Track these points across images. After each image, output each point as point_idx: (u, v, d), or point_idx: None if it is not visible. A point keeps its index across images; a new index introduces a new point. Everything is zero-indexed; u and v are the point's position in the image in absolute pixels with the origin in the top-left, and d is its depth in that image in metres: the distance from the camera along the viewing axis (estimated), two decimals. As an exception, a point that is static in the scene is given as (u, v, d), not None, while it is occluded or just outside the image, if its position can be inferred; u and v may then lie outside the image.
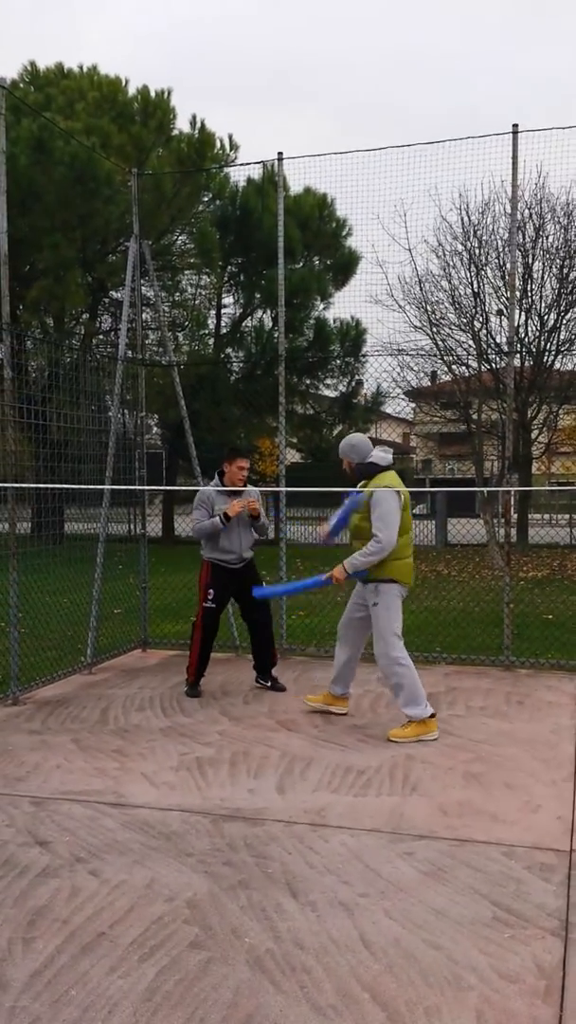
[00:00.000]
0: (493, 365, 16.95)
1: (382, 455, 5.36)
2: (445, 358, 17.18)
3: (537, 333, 17.77)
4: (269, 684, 6.44)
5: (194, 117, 17.72)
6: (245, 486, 6.26)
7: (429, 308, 17.19)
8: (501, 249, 16.86)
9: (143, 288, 8.11)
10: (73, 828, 3.89)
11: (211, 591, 6.22)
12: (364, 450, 5.39)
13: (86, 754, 4.94)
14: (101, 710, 5.88)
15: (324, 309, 20.06)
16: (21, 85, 17.70)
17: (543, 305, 17.58)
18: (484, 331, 17.36)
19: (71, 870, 3.48)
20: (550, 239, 17.13)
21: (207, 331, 20.21)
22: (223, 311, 20.96)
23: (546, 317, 17.67)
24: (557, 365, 17.98)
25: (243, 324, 20.83)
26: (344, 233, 20.39)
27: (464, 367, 17.43)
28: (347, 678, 5.66)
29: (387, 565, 5.22)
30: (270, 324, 19.98)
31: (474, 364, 17.21)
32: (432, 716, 5.22)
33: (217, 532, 6.13)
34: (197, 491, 6.45)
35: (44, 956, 2.86)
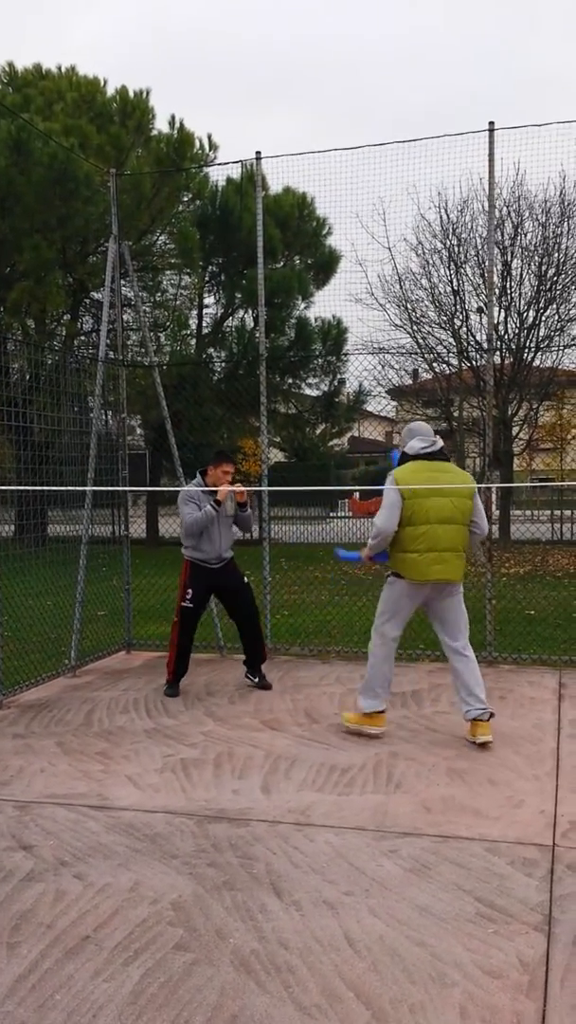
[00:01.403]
0: (473, 362, 17.05)
1: (415, 444, 5.13)
2: (426, 356, 17.27)
3: (516, 330, 17.87)
4: (257, 681, 6.47)
5: (173, 117, 17.67)
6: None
7: (409, 306, 17.28)
8: (480, 247, 16.97)
9: (124, 289, 8.09)
10: (57, 831, 3.88)
11: (189, 590, 6.24)
12: (406, 438, 5.22)
13: (70, 757, 4.93)
14: (85, 713, 5.86)
15: (305, 308, 20.09)
16: (-1, 86, 17.62)
17: (522, 302, 17.69)
18: (464, 329, 17.47)
19: (55, 874, 3.47)
20: (528, 236, 17.24)
21: (188, 331, 20.18)
22: (204, 311, 20.95)
23: (525, 314, 17.78)
24: (536, 362, 18.08)
25: (225, 324, 20.81)
26: (324, 232, 20.41)
27: (445, 365, 17.52)
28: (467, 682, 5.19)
29: (394, 557, 5.07)
30: (252, 324, 19.98)
31: (455, 362, 17.30)
32: (381, 712, 5.17)
33: (210, 522, 6.14)
34: (180, 491, 6.45)
35: (28, 961, 2.86)
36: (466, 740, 5.07)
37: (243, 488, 6.30)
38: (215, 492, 6.20)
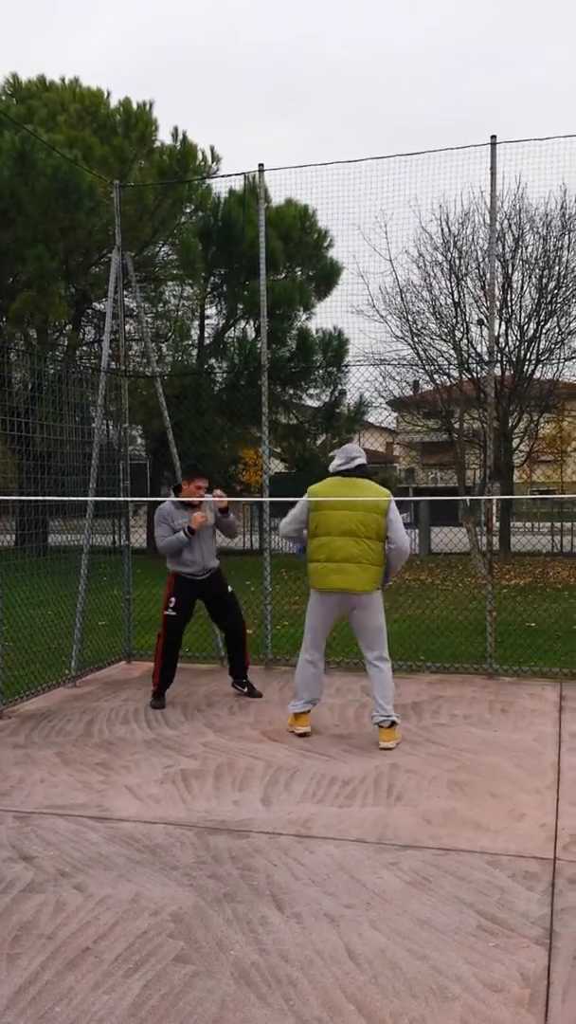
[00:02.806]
0: (474, 374, 17.06)
1: (335, 463, 5.48)
2: (427, 368, 17.27)
3: (517, 343, 17.91)
4: (245, 690, 6.50)
5: (176, 129, 17.78)
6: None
7: (410, 318, 17.31)
8: (481, 259, 17.00)
9: (126, 299, 8.11)
10: (57, 842, 3.88)
11: (173, 599, 6.27)
12: (333, 461, 5.57)
13: (70, 768, 4.92)
14: (85, 723, 5.86)
15: (307, 319, 20.13)
16: (3, 97, 17.72)
17: (523, 315, 17.73)
18: (465, 341, 17.50)
19: (56, 885, 3.46)
20: (529, 249, 17.29)
21: (190, 342, 20.23)
22: (206, 322, 20.99)
23: (526, 327, 17.81)
24: (537, 374, 18.13)
25: (226, 335, 20.85)
26: (326, 244, 20.47)
27: (446, 376, 17.53)
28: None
29: (307, 567, 5.43)
30: (253, 334, 20.02)
31: (455, 373, 17.31)
32: (302, 714, 5.48)
33: (182, 546, 6.18)
34: (157, 509, 6.46)
35: (28, 972, 2.85)
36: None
37: (224, 497, 6.32)
38: (190, 505, 6.23)
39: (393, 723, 5.25)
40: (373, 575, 5.30)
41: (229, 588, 6.50)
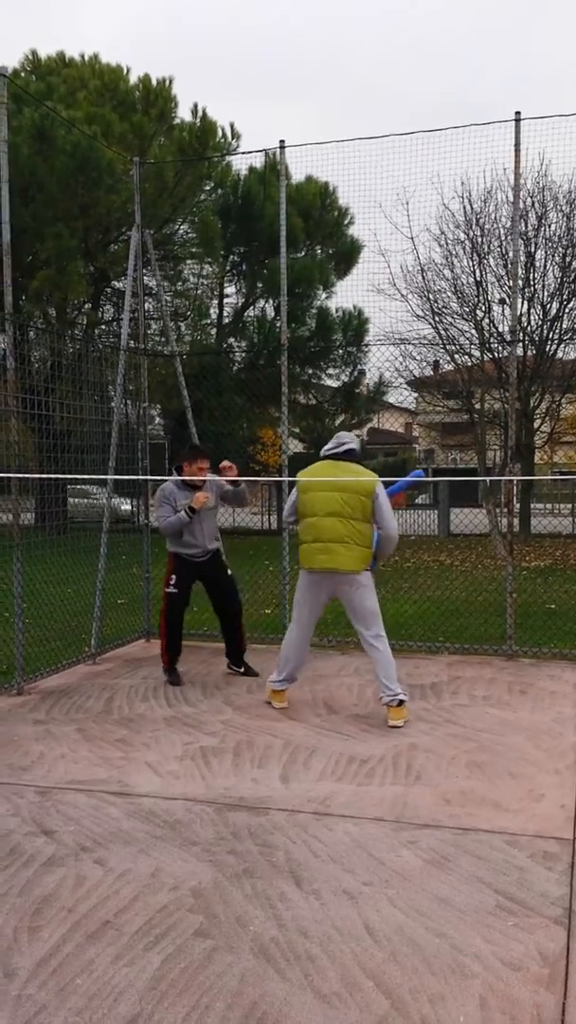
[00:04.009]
0: (496, 354, 16.92)
1: (327, 446, 5.58)
2: (447, 347, 17.15)
3: (540, 322, 17.72)
4: (242, 671, 6.52)
5: (195, 106, 17.63)
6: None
7: (431, 297, 17.15)
8: (503, 238, 16.82)
9: (145, 278, 8.10)
10: (78, 817, 3.91)
11: (173, 576, 6.28)
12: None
13: (91, 744, 4.95)
14: (105, 700, 5.90)
15: (326, 298, 20.03)
16: (23, 74, 17.64)
17: (545, 294, 17.53)
18: (487, 320, 17.34)
19: (76, 859, 3.50)
20: (552, 227, 17.07)
21: (209, 321, 20.18)
22: (225, 301, 20.94)
23: (548, 306, 17.62)
24: (560, 354, 17.95)
25: (245, 314, 20.79)
26: (346, 222, 20.33)
27: (467, 356, 17.40)
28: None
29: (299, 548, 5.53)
30: (272, 314, 19.94)
31: (476, 353, 17.18)
32: (279, 691, 5.63)
33: (183, 526, 6.17)
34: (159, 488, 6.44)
35: (50, 945, 2.88)
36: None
37: (234, 468, 6.32)
38: (193, 486, 6.20)
39: (401, 701, 5.26)
40: (360, 555, 5.34)
41: (229, 571, 6.51)
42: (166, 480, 6.32)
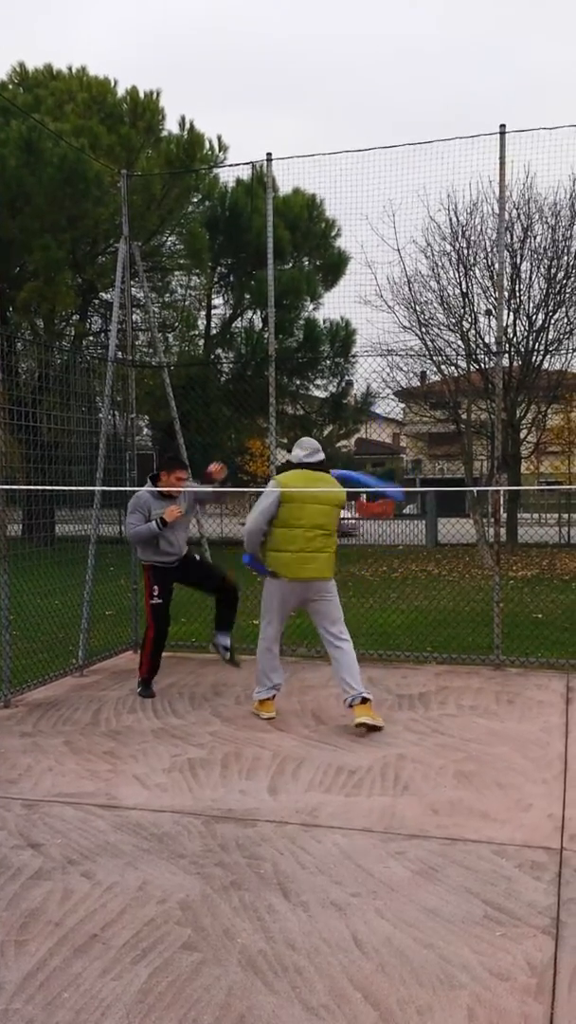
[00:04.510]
0: (482, 365, 17.01)
1: (297, 453, 5.61)
2: (434, 358, 17.22)
3: (525, 333, 17.83)
4: (228, 656, 6.43)
5: (183, 118, 17.73)
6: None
7: (418, 308, 17.23)
8: (489, 249, 16.91)
9: (133, 289, 8.11)
10: (65, 830, 3.89)
11: (156, 586, 6.27)
12: (293, 450, 5.69)
13: (78, 756, 4.94)
14: (93, 712, 5.88)
15: (314, 310, 20.09)
16: (10, 86, 17.68)
17: (531, 305, 17.63)
18: (473, 331, 17.42)
19: (63, 872, 3.48)
20: (538, 239, 17.19)
21: (197, 332, 20.21)
22: (213, 312, 20.97)
23: (534, 317, 17.72)
24: (545, 365, 18.04)
25: (233, 325, 20.83)
26: (333, 233, 20.42)
27: (453, 367, 17.48)
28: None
29: (270, 557, 5.49)
30: (260, 325, 19.98)
31: (463, 364, 17.25)
32: (267, 700, 5.64)
33: (153, 537, 6.15)
34: (135, 493, 6.43)
35: (37, 958, 2.87)
36: (357, 729, 5.28)
37: (224, 469, 6.33)
38: (168, 497, 6.20)
39: (365, 699, 5.34)
40: (333, 562, 5.59)
41: (196, 556, 6.55)
42: (155, 491, 6.29)
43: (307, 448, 5.62)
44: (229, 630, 6.48)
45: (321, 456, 5.61)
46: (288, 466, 5.66)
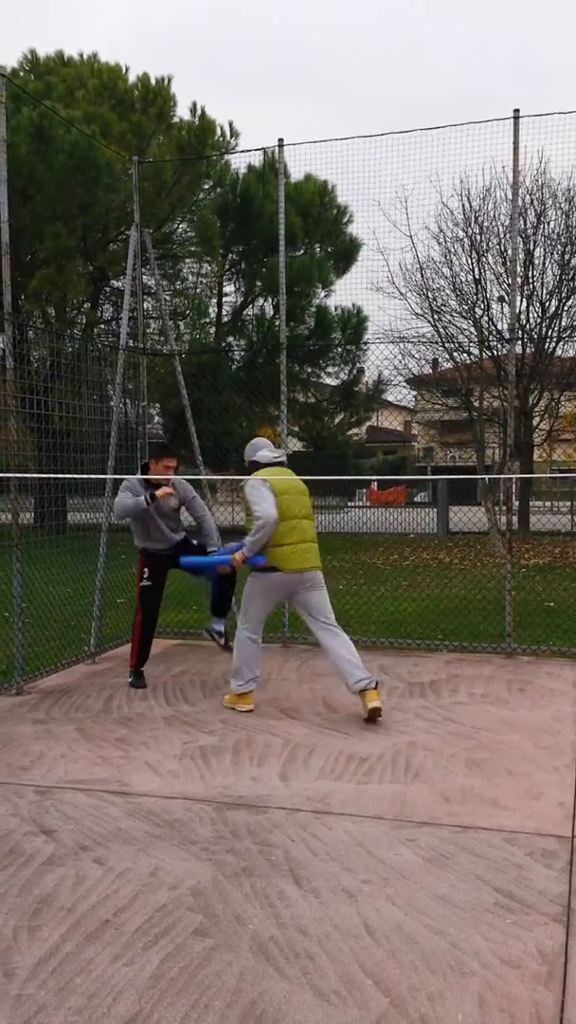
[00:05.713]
0: (494, 352, 16.92)
1: (265, 454, 5.70)
2: (446, 345, 17.15)
3: (538, 320, 17.72)
4: (222, 641, 6.39)
5: (194, 104, 17.63)
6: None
7: (430, 295, 17.15)
8: (502, 235, 16.81)
9: (144, 277, 8.09)
10: (77, 817, 3.91)
11: (146, 570, 6.28)
12: (251, 451, 5.76)
13: (90, 743, 4.96)
14: (105, 699, 5.90)
15: (325, 297, 20.02)
16: (21, 73, 17.63)
17: (544, 292, 17.53)
18: (485, 318, 17.33)
19: (76, 858, 3.50)
20: (551, 225, 17.06)
21: (208, 320, 20.16)
22: (224, 299, 20.92)
23: (547, 303, 17.61)
24: (558, 352, 17.95)
25: (244, 312, 20.78)
26: (345, 220, 20.31)
27: (465, 354, 17.40)
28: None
29: (268, 551, 5.43)
30: (271, 312, 19.93)
31: (475, 351, 17.17)
32: (248, 693, 5.59)
33: (139, 512, 6.13)
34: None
35: (49, 944, 2.89)
36: (366, 716, 5.26)
37: (174, 497, 6.32)
38: (157, 486, 6.20)
39: (377, 683, 5.39)
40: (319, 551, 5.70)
41: (193, 541, 6.52)
42: (166, 479, 6.29)
43: (266, 447, 5.75)
44: (224, 616, 6.49)
45: (283, 453, 5.85)
46: (256, 467, 5.67)
